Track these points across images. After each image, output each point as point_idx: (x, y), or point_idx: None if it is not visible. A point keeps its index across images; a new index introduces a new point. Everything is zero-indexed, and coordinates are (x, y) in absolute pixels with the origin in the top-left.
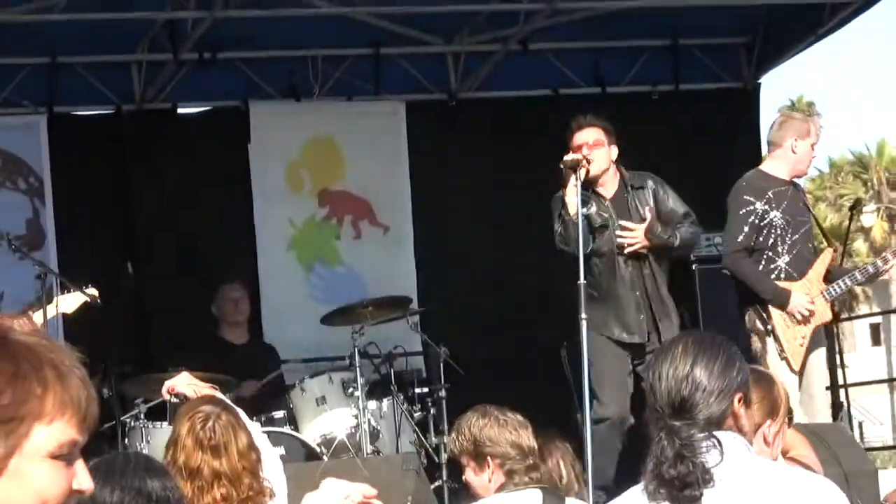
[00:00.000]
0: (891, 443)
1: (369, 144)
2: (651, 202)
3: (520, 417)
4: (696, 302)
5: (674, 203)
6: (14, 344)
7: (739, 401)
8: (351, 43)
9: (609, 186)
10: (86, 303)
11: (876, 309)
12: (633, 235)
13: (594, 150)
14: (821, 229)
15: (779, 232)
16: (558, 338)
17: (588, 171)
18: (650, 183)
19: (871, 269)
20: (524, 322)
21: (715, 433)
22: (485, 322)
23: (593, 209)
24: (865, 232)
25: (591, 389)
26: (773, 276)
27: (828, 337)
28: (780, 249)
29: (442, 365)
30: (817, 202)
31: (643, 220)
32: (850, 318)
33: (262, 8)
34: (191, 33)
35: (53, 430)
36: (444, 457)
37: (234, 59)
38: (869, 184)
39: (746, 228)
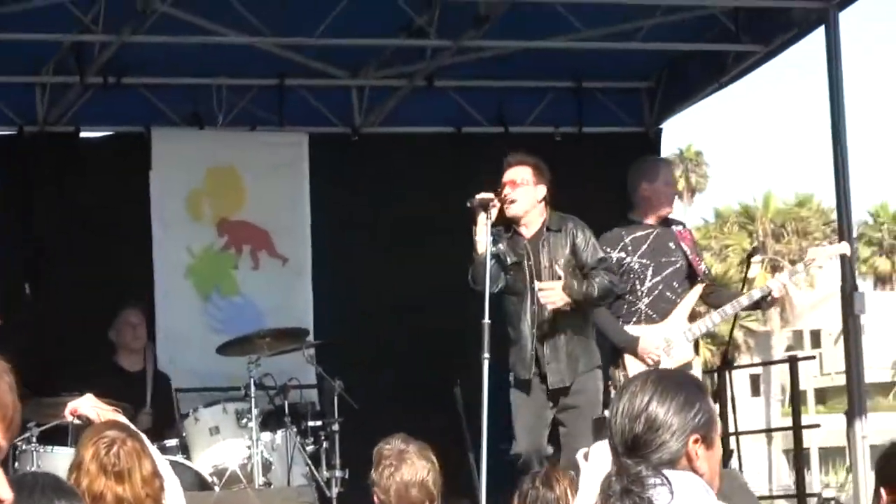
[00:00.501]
0: (765, 493)
1: (271, 175)
2: (567, 247)
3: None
4: None
5: (592, 249)
6: None
7: (696, 441)
8: (256, 73)
9: (532, 226)
10: None
11: (756, 360)
12: (551, 296)
13: (517, 188)
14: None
15: (638, 276)
16: (454, 374)
17: (502, 210)
18: (570, 226)
19: (737, 306)
20: (420, 357)
21: (667, 472)
22: (381, 356)
23: (502, 247)
24: (749, 283)
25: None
26: (634, 319)
27: (719, 382)
28: (639, 293)
29: (336, 398)
30: (703, 252)
31: (553, 263)
32: (718, 370)
33: (169, 34)
34: (97, 57)
35: None
36: (335, 490)
37: (139, 85)
38: (754, 235)
39: None
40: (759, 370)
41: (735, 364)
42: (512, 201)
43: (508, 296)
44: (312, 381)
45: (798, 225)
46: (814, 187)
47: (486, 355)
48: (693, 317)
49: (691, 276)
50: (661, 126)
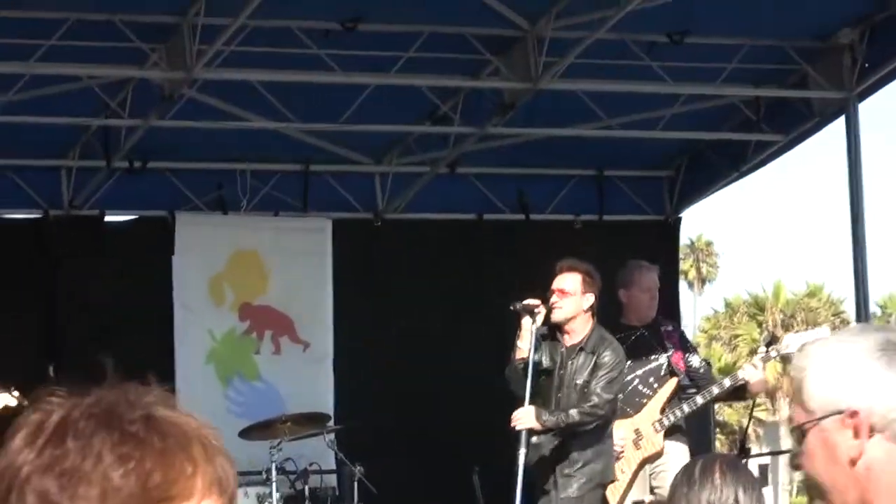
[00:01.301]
0: None
1: (294, 260)
2: (589, 369)
3: None
4: None
5: (596, 381)
6: (161, 420)
7: None
8: (281, 158)
9: (574, 335)
10: (7, 406)
11: (765, 449)
12: (523, 420)
13: (564, 297)
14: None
15: None
16: (472, 461)
17: (547, 318)
18: (604, 354)
19: (707, 395)
20: (441, 443)
21: None
22: (400, 442)
23: (545, 357)
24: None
25: None
26: None
27: None
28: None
29: (356, 483)
30: (712, 341)
31: (574, 379)
32: (744, 457)
33: (195, 119)
34: (124, 141)
35: None
36: None
37: (164, 169)
38: (764, 325)
39: None
40: (767, 460)
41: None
42: (558, 308)
43: (539, 399)
44: (332, 467)
45: (808, 315)
46: (824, 278)
47: (523, 450)
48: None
49: (672, 374)
50: (680, 215)
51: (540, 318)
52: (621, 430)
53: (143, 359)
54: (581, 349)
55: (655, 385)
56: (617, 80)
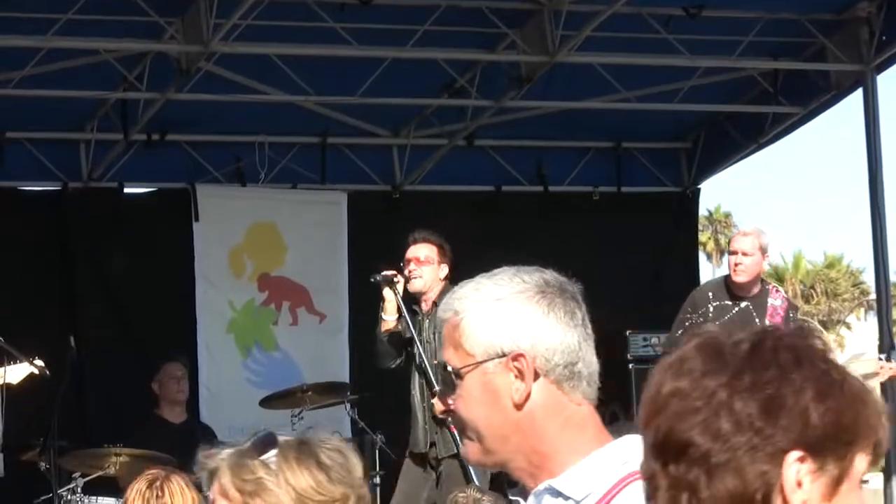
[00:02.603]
0: None
1: (311, 233)
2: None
3: (490, 500)
4: (631, 401)
5: None
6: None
7: None
8: (298, 131)
9: (430, 304)
10: (32, 374)
11: None
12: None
13: (421, 266)
14: None
15: None
16: None
17: (405, 287)
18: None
19: None
20: None
21: None
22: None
23: (400, 326)
24: None
25: None
26: None
27: None
28: None
29: (377, 452)
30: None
31: (434, 338)
32: None
33: (213, 92)
34: (141, 114)
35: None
36: None
37: (182, 142)
38: None
39: (680, 332)
40: None
41: None
42: (417, 278)
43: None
44: (349, 436)
45: (827, 286)
46: (843, 248)
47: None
48: None
49: None
50: (699, 186)
51: (400, 288)
52: None
53: (165, 329)
54: (434, 304)
55: None
56: (634, 52)
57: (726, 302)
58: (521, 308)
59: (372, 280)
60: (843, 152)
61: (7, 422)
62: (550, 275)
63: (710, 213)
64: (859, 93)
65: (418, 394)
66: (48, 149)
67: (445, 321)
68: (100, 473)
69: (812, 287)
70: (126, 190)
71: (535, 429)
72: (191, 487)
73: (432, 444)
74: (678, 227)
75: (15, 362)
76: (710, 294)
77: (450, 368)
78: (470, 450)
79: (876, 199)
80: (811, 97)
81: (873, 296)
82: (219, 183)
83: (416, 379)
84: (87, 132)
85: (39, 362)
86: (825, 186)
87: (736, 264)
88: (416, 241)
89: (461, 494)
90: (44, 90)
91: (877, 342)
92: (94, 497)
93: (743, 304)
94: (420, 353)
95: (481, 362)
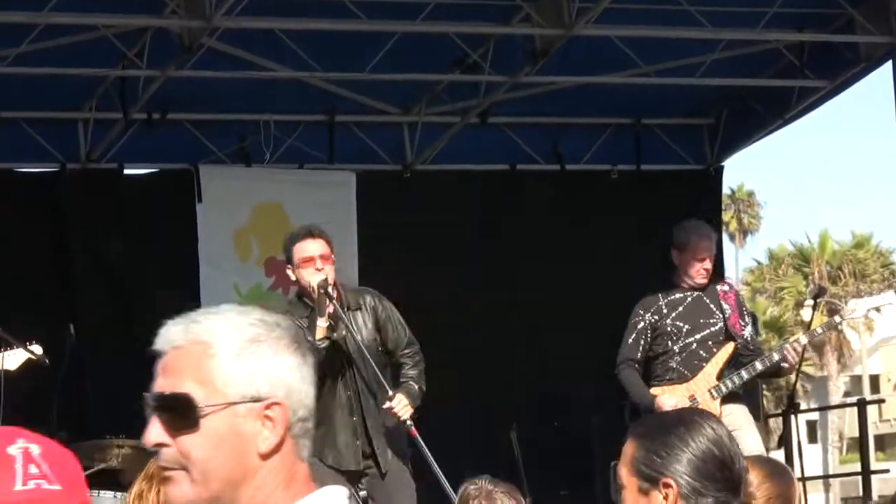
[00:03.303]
0: None
1: (318, 214)
2: (370, 322)
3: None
4: None
5: (398, 326)
6: None
7: None
8: (305, 109)
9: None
10: (30, 360)
11: (813, 405)
12: (400, 409)
13: (326, 263)
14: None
15: (672, 337)
16: (510, 418)
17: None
18: (368, 300)
19: (766, 362)
20: (475, 400)
21: None
22: (433, 400)
23: (343, 332)
24: (805, 326)
25: None
26: (667, 377)
27: (784, 426)
28: (671, 352)
29: None
30: (756, 294)
31: (362, 341)
32: (784, 413)
33: (216, 69)
34: (142, 92)
35: None
36: None
37: (184, 121)
38: (810, 277)
39: (631, 339)
40: (815, 416)
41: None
42: (323, 274)
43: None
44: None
45: (855, 267)
46: (872, 227)
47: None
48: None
49: (729, 337)
50: (722, 164)
51: (333, 293)
52: (675, 396)
53: (168, 315)
54: (348, 308)
55: (714, 349)
56: (653, 25)
57: (677, 295)
58: (280, 355)
59: (322, 291)
60: (872, 128)
61: (4, 411)
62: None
63: (733, 192)
64: (888, 65)
65: (345, 397)
66: (45, 129)
67: (181, 348)
68: (102, 466)
69: (839, 268)
70: (126, 171)
71: (266, 481)
72: None
73: (369, 456)
74: (700, 207)
75: (12, 348)
76: (660, 294)
77: (191, 402)
78: (182, 490)
79: None
80: (839, 70)
81: None
82: (222, 163)
83: (339, 388)
84: (85, 111)
85: (38, 348)
86: (853, 163)
87: (705, 269)
88: (311, 237)
89: (472, 486)
90: (40, 68)
91: None
92: (97, 491)
93: (694, 294)
94: (349, 351)
95: (233, 403)
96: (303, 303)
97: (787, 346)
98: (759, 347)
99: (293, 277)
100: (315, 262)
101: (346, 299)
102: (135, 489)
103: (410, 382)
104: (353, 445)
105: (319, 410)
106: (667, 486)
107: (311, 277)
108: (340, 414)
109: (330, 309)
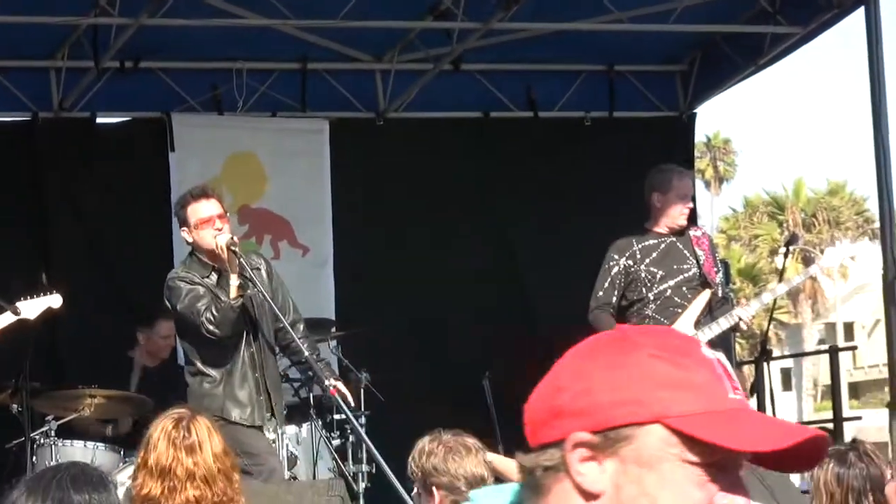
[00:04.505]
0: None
1: (292, 162)
2: (266, 282)
3: (471, 443)
4: None
5: (287, 293)
6: None
7: None
8: (277, 56)
9: (228, 265)
10: (50, 308)
11: (787, 352)
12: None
13: (225, 222)
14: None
15: (646, 283)
16: (480, 364)
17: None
18: (262, 262)
19: (726, 322)
20: (446, 348)
21: None
22: (406, 348)
23: (252, 290)
24: (780, 273)
25: None
26: (642, 324)
27: (756, 374)
28: (646, 299)
29: (362, 391)
30: (731, 242)
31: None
32: (756, 361)
33: (188, 17)
34: (113, 41)
35: None
36: (363, 485)
37: (156, 69)
38: (784, 224)
39: (606, 284)
40: (790, 364)
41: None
42: (225, 233)
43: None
44: (336, 374)
45: (830, 215)
46: (846, 175)
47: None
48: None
49: (704, 283)
50: (695, 111)
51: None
52: None
53: (141, 263)
54: (251, 268)
55: (690, 296)
56: None
57: (651, 241)
58: None
59: (235, 249)
60: (846, 75)
61: None
62: None
63: (709, 140)
64: (861, 12)
65: (247, 354)
66: (17, 77)
67: None
68: (74, 416)
69: (814, 216)
70: (99, 120)
71: None
72: (216, 429)
73: (269, 411)
74: (673, 153)
75: (30, 297)
76: (633, 239)
77: None
78: None
79: (879, 124)
80: (811, 16)
81: (877, 224)
82: (195, 112)
83: (246, 339)
84: (57, 60)
85: (57, 298)
86: (828, 110)
87: (688, 209)
88: (205, 196)
89: (428, 438)
90: (10, 16)
91: (881, 272)
92: (69, 441)
93: (668, 240)
94: (261, 311)
95: None
96: (201, 263)
97: (740, 313)
98: (727, 295)
99: (189, 239)
100: (214, 223)
101: (247, 261)
102: (157, 433)
103: (326, 362)
104: (256, 401)
105: (219, 367)
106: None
107: (218, 238)
108: (243, 370)
109: (240, 268)
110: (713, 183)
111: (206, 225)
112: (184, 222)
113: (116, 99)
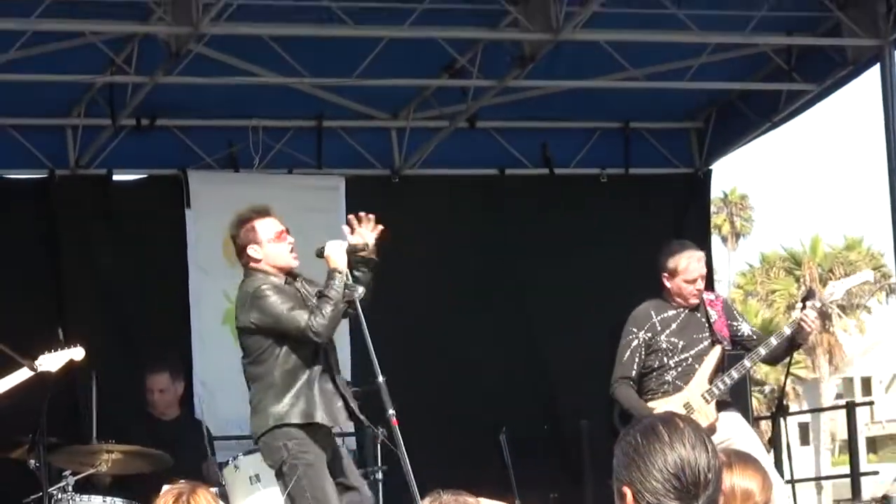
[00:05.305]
0: None
1: (308, 219)
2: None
3: (472, 501)
4: None
5: None
6: None
7: None
8: (293, 114)
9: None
10: (72, 361)
11: (805, 407)
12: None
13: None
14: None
15: (668, 353)
16: (498, 422)
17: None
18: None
19: (772, 343)
20: (463, 404)
21: None
22: (423, 404)
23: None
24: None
25: None
26: (661, 391)
27: (773, 429)
28: (667, 366)
29: (379, 446)
30: (748, 297)
31: None
32: (773, 416)
33: (204, 75)
34: (130, 98)
35: None
36: None
37: (172, 127)
38: (801, 280)
39: (626, 357)
40: (807, 419)
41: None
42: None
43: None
44: (352, 430)
45: (846, 269)
46: (863, 230)
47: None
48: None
49: (716, 341)
50: (710, 167)
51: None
52: (671, 405)
53: (158, 321)
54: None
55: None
56: (642, 29)
57: (669, 312)
58: None
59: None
60: (862, 130)
61: None
62: None
63: (726, 196)
64: (876, 68)
65: (324, 359)
66: (34, 135)
67: None
68: (91, 471)
69: (831, 270)
70: (115, 177)
71: None
72: (217, 499)
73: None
74: (689, 210)
75: (51, 351)
76: (652, 311)
77: None
78: None
79: (894, 179)
80: (827, 73)
81: (894, 279)
82: (211, 169)
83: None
84: (73, 118)
85: (80, 351)
86: (844, 166)
87: (698, 290)
88: (269, 213)
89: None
90: (28, 74)
91: None
92: (86, 496)
93: (686, 311)
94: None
95: None
96: (267, 275)
97: (801, 314)
98: (762, 337)
99: (259, 255)
100: (287, 234)
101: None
102: None
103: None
104: (337, 403)
105: (303, 370)
106: (622, 494)
107: (290, 251)
108: (325, 375)
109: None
110: (730, 238)
111: (280, 239)
112: (252, 240)
113: (133, 156)
